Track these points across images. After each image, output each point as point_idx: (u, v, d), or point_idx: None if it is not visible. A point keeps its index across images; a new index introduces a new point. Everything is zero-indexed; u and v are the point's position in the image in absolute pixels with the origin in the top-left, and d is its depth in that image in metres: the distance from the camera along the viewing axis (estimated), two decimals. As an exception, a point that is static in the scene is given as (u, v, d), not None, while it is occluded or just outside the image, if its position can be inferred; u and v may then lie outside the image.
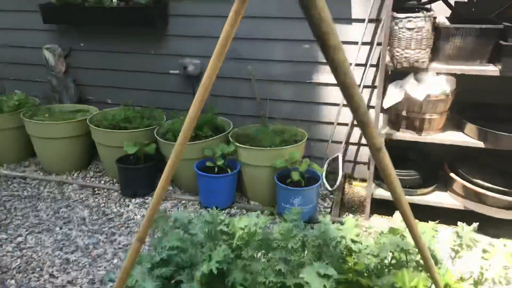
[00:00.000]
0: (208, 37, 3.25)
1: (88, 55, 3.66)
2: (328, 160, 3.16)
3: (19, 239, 2.68)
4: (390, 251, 1.33)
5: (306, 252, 1.49)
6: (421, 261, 1.41)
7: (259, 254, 1.55)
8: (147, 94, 3.59)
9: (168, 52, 3.41)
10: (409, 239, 1.51)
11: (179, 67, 3.38)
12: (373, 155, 0.79)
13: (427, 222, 1.61)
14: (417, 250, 1.37)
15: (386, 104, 2.54)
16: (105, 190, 3.25)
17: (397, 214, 1.67)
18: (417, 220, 1.66)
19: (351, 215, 2.70)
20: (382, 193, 2.76)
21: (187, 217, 1.84)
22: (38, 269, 2.40)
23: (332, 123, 3.13)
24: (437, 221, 1.58)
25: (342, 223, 1.55)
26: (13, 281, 2.31)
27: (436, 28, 2.35)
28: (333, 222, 1.57)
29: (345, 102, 3.00)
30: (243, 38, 3.16)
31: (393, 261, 1.47)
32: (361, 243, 1.40)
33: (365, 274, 1.43)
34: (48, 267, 2.41)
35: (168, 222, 1.79)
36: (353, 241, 1.40)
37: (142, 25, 3.26)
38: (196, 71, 3.33)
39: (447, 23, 2.38)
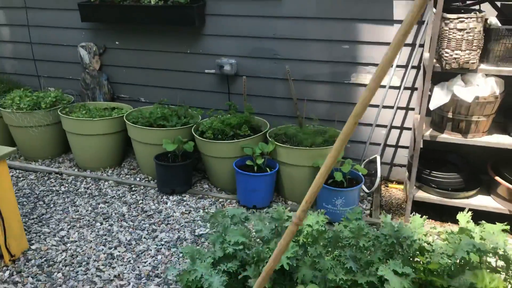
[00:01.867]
0: (245, 36, 3.27)
1: (123, 53, 3.69)
2: (364, 162, 3.15)
3: (62, 233, 2.71)
4: (466, 251, 1.32)
5: (374, 251, 1.48)
6: (494, 263, 1.40)
7: (325, 252, 1.55)
8: (181, 92, 3.61)
9: (204, 51, 3.43)
10: (478, 239, 1.50)
11: (215, 67, 3.40)
12: None
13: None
14: (492, 252, 1.36)
15: (433, 106, 2.52)
16: (142, 187, 3.27)
17: (461, 215, 1.66)
18: (483, 221, 1.65)
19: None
20: (423, 195, 2.74)
21: (244, 213, 1.84)
22: (84, 263, 2.41)
23: (370, 125, 3.12)
24: (505, 223, 1.56)
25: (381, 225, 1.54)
26: (60, 274, 2.33)
27: (487, 29, 2.33)
28: (372, 224, 1.56)
29: (385, 103, 2.99)
30: (281, 38, 3.17)
31: (462, 262, 1.46)
32: (433, 243, 1.39)
33: (436, 274, 1.41)
34: (94, 261, 2.43)
35: (226, 218, 1.80)
36: (426, 241, 1.38)
37: (179, 23, 3.28)
38: (232, 71, 3.34)
39: (499, 24, 2.36)
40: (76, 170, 3.56)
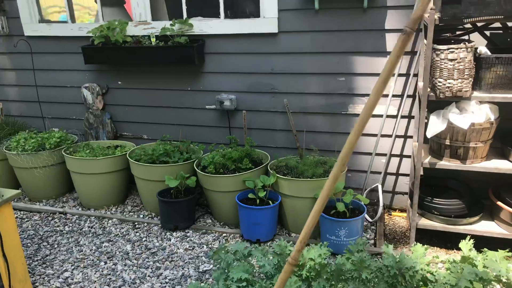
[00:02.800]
0: (243, 73, 3.36)
1: (125, 92, 3.78)
2: (366, 191, 3.16)
3: (66, 274, 2.70)
4: (469, 280, 1.32)
5: (378, 282, 1.48)
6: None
7: (328, 285, 1.55)
8: (183, 129, 3.67)
9: (204, 88, 3.52)
10: (481, 267, 1.50)
11: (215, 102, 3.48)
12: None
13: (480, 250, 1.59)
14: (495, 280, 1.36)
15: (430, 134, 2.56)
16: (145, 224, 3.28)
17: (463, 243, 1.67)
18: (485, 249, 1.65)
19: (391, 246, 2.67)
20: (426, 223, 2.74)
21: (246, 248, 1.85)
22: (88, 305, 2.40)
23: (370, 154, 3.16)
24: (507, 250, 1.56)
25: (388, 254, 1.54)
26: (64, 317, 2.31)
27: (477, 58, 2.40)
28: (377, 254, 1.57)
29: (383, 132, 3.04)
30: (278, 73, 3.26)
31: (466, 291, 1.45)
32: (436, 273, 1.39)
33: (440, 305, 1.41)
34: (98, 303, 2.41)
35: (229, 254, 1.80)
36: (429, 271, 1.39)
37: (179, 63, 3.38)
38: (232, 106, 3.42)
39: (488, 53, 2.43)
40: (80, 209, 3.58)
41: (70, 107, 3.99)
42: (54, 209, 3.55)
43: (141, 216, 3.41)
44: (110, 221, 3.36)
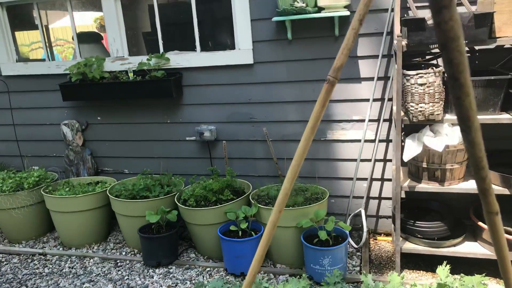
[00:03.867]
0: (221, 103, 3.38)
1: (105, 128, 3.77)
2: (350, 216, 3.15)
3: (43, 320, 2.60)
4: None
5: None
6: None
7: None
8: (164, 161, 3.65)
9: (183, 120, 3.52)
10: (458, 295, 1.48)
11: (195, 134, 3.47)
12: (490, 219, 0.80)
13: (460, 274, 1.58)
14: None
15: (406, 157, 2.58)
16: (128, 261, 3.20)
17: (440, 269, 1.65)
18: (462, 274, 1.64)
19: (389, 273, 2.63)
20: (410, 247, 2.72)
21: (225, 285, 1.81)
22: None
23: (351, 179, 3.16)
24: (484, 274, 1.55)
25: (375, 282, 1.52)
26: None
27: (447, 82, 2.45)
28: (362, 282, 1.54)
29: (362, 157, 3.05)
30: (256, 102, 3.29)
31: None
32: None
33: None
34: None
35: (206, 293, 1.76)
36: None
37: (158, 96, 3.40)
38: (212, 136, 3.42)
39: (456, 76, 2.48)
40: (60, 249, 3.48)
41: (49, 145, 3.95)
42: (34, 251, 3.46)
43: (124, 253, 3.33)
44: (91, 260, 3.27)
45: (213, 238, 3.02)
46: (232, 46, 3.30)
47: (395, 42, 2.50)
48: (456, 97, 0.61)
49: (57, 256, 3.37)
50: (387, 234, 3.29)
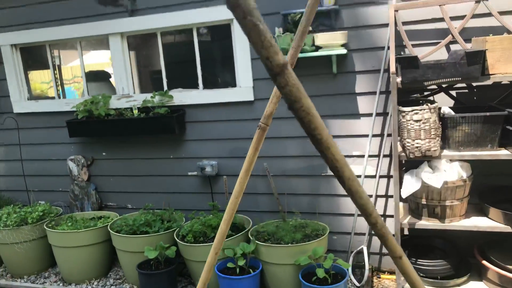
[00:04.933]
0: (223, 139, 3.43)
1: (110, 163, 3.83)
2: (353, 253, 3.08)
3: None
4: None
5: None
6: None
7: None
8: (166, 196, 3.67)
9: (186, 155, 3.57)
10: None
11: (197, 169, 3.50)
12: (396, 263, 0.80)
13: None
14: None
15: (404, 194, 2.55)
16: (125, 299, 3.16)
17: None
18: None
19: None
20: (414, 286, 2.63)
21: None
22: None
23: (353, 215, 3.12)
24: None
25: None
26: None
27: (442, 118, 2.46)
28: None
29: (362, 193, 3.02)
30: (257, 137, 3.32)
31: None
32: None
33: None
34: None
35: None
36: None
37: (161, 132, 3.46)
38: (214, 171, 3.44)
39: (452, 112, 2.49)
40: (61, 284, 3.47)
41: (55, 180, 4.02)
42: (35, 286, 3.45)
43: (122, 290, 3.30)
44: (90, 297, 3.24)
45: (211, 275, 2.97)
46: (233, 84, 3.38)
47: (390, 79, 2.53)
48: (319, 150, 0.64)
49: (56, 292, 3.36)
50: (391, 272, 3.20)
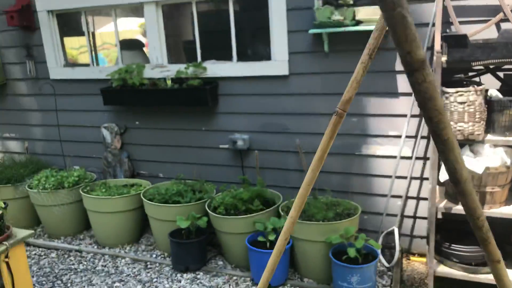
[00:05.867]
0: (255, 113, 3.40)
1: (142, 132, 3.88)
2: (383, 234, 3.06)
3: (75, 316, 2.70)
4: None
5: None
6: None
7: None
8: (197, 168, 3.71)
9: (218, 128, 3.57)
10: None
11: (228, 142, 3.51)
12: (492, 267, 0.77)
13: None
14: None
15: (443, 178, 2.48)
16: (157, 264, 3.27)
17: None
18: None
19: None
20: (445, 271, 2.61)
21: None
22: None
23: (385, 195, 3.08)
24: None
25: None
26: None
27: (489, 101, 2.35)
28: None
29: (397, 174, 2.97)
30: (291, 113, 3.28)
31: None
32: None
33: None
34: None
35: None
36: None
37: (194, 104, 3.47)
38: (245, 145, 3.44)
39: (499, 95, 2.37)
40: (95, 247, 3.61)
41: (90, 146, 4.12)
42: (71, 247, 3.61)
43: (154, 256, 3.41)
44: (123, 260, 3.37)
45: (241, 247, 3.03)
46: (268, 57, 3.31)
47: (434, 58, 2.42)
48: (440, 151, 0.60)
49: (91, 254, 3.50)
50: (422, 255, 3.18)
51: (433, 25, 2.74)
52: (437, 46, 2.40)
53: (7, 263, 2.30)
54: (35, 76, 4.11)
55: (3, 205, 2.32)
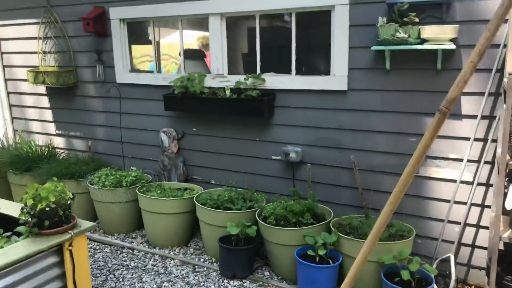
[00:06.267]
0: (310, 127, 3.41)
1: (198, 139, 4.01)
2: (437, 260, 2.95)
3: (126, 310, 2.81)
4: None
5: None
6: None
7: None
8: (249, 177, 3.77)
9: (272, 139, 3.62)
10: None
11: (281, 154, 3.54)
12: None
13: None
14: None
15: (509, 205, 2.36)
16: (205, 268, 3.34)
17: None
18: None
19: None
20: (505, 305, 2.46)
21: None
22: None
23: (441, 220, 2.97)
24: None
25: None
26: None
27: None
28: None
29: (457, 199, 2.86)
30: (346, 129, 3.26)
31: None
32: None
33: None
34: None
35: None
36: None
37: (250, 114, 3.54)
38: (298, 158, 3.46)
39: None
40: (146, 246, 3.75)
41: (148, 149, 4.31)
42: (124, 244, 3.77)
43: (202, 260, 3.48)
44: (172, 262, 3.47)
45: (289, 259, 3.03)
46: (327, 72, 3.33)
47: (505, 80, 2.33)
48: None
49: (142, 252, 3.64)
50: (479, 287, 3.01)
51: (505, 46, 2.64)
52: (509, 67, 2.32)
53: (70, 251, 2.43)
54: (103, 80, 4.38)
55: (71, 196, 2.46)
